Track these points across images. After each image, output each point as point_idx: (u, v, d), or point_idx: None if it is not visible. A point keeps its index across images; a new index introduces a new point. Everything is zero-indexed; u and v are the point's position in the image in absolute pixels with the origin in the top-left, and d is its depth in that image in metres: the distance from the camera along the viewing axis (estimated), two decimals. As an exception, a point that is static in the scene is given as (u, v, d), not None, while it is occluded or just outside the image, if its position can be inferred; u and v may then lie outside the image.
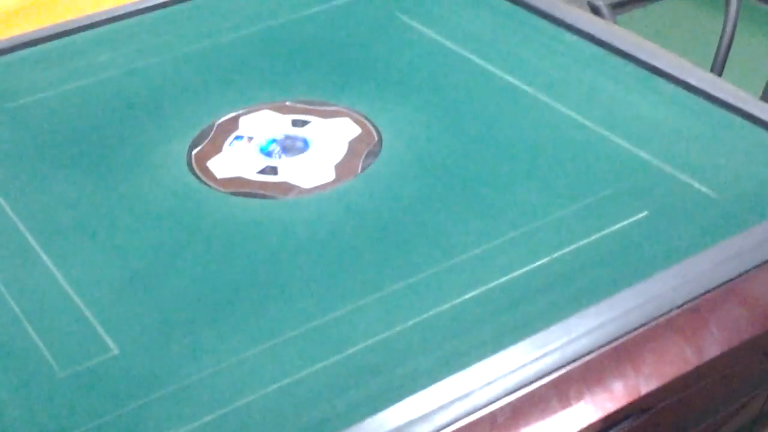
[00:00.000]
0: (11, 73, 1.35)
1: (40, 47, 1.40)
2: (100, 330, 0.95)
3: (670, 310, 0.93)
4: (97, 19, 1.45)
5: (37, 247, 1.06)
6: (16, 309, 0.98)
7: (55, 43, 1.41)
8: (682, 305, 0.94)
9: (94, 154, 1.20)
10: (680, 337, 0.93)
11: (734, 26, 1.95)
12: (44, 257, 1.04)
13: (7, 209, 1.11)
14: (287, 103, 1.26)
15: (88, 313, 0.97)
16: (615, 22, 1.84)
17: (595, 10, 1.84)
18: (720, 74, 1.91)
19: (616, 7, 1.86)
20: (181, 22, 1.44)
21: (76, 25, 1.44)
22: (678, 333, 0.93)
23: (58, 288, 1.00)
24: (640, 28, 1.80)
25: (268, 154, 1.18)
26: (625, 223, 1.04)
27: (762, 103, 1.21)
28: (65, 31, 1.42)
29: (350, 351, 0.92)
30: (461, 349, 0.91)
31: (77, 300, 0.99)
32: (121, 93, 1.30)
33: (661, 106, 1.22)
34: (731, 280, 0.97)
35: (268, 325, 0.95)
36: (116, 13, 1.45)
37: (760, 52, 2.82)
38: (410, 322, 0.94)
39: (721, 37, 1.96)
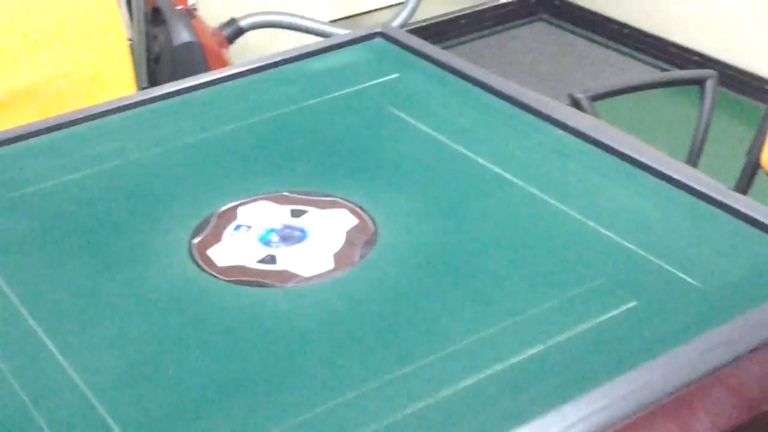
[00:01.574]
0: (14, 163, 1.38)
1: (41, 138, 1.43)
2: (107, 417, 0.97)
3: (661, 398, 0.97)
4: (96, 111, 1.49)
5: (42, 335, 1.08)
6: (23, 396, 1.00)
7: (56, 134, 1.45)
8: (672, 393, 0.97)
9: (97, 243, 1.23)
10: (671, 423, 0.96)
11: (709, 116, 2.03)
12: (49, 345, 1.07)
13: (12, 297, 1.13)
14: (285, 194, 1.30)
15: (94, 401, 0.99)
16: (595, 113, 1.91)
17: (575, 103, 1.91)
18: (696, 163, 1.98)
19: (594, 99, 1.94)
20: (180, 114, 1.49)
21: (76, 116, 1.48)
22: (669, 420, 0.96)
23: (64, 375, 1.02)
24: (617, 116, 1.87)
25: (267, 243, 1.22)
26: (615, 312, 1.08)
27: (739, 195, 1.26)
28: (65, 122, 1.46)
29: (351, 438, 0.94)
30: (460, 436, 0.94)
31: (83, 387, 1.01)
32: (122, 183, 1.34)
33: (645, 198, 1.27)
34: (719, 367, 1.00)
35: (269, 413, 0.97)
36: (117, 105, 1.50)
37: (733, 140, 2.90)
38: (408, 410, 0.97)
39: (698, 127, 2.03)
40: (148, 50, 2.76)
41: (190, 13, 2.87)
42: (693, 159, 2.02)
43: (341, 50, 1.63)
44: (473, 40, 4.08)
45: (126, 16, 2.91)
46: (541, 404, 0.96)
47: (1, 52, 1.96)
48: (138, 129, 1.46)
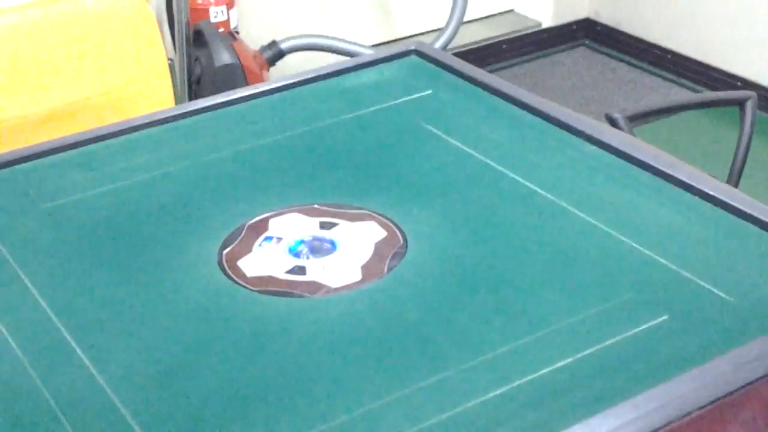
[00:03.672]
0: (49, 175, 1.40)
1: (77, 150, 1.45)
2: (134, 424, 0.97)
3: (691, 412, 0.95)
4: (131, 125, 1.50)
5: (72, 343, 1.09)
6: (52, 403, 1.01)
7: (91, 147, 1.46)
8: (702, 407, 0.96)
9: (128, 254, 1.24)
10: (701, 438, 0.95)
11: (749, 139, 2.00)
12: (79, 352, 1.07)
13: (44, 304, 1.15)
14: (315, 206, 1.31)
15: (121, 408, 1.00)
16: (632, 134, 1.90)
17: (613, 122, 1.90)
18: (736, 185, 1.95)
19: (632, 120, 1.92)
20: (215, 129, 1.50)
21: (112, 129, 1.49)
22: (698, 434, 0.95)
23: (93, 383, 1.03)
24: (656, 141, 1.86)
25: (297, 254, 1.22)
26: (646, 326, 1.07)
27: None
28: (102, 135, 1.48)
29: (376, 447, 0.94)
30: (485, 447, 0.93)
31: (111, 395, 1.01)
32: (154, 195, 1.35)
33: (679, 214, 1.26)
34: (751, 383, 0.98)
35: (295, 422, 0.97)
36: (150, 119, 1.51)
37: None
38: (434, 420, 0.96)
39: (737, 150, 2.01)
40: (189, 72, 2.79)
41: (231, 36, 2.91)
42: (733, 181, 1.99)
43: (376, 67, 1.64)
44: (514, 65, 4.08)
45: (167, 36, 2.95)
46: (569, 417, 0.95)
47: (42, 71, 1.99)
48: (173, 142, 1.47)
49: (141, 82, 2.07)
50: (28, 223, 1.30)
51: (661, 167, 1.33)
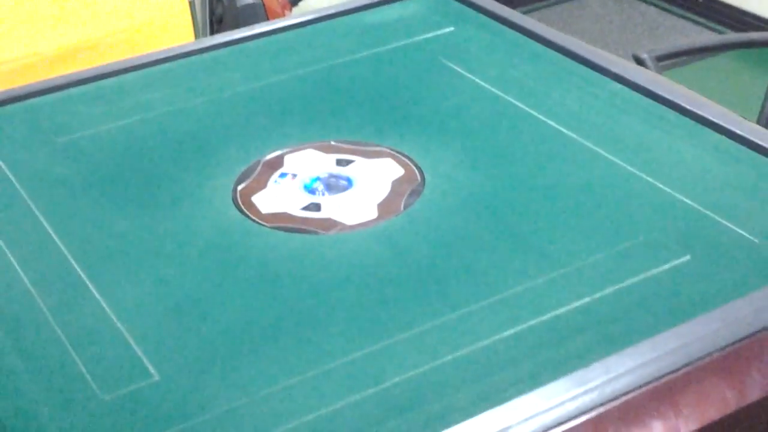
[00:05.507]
0: (65, 109, 1.38)
1: (93, 85, 1.43)
2: (143, 356, 0.96)
3: (712, 353, 0.93)
4: (148, 59, 1.48)
5: (84, 276, 1.07)
6: (61, 334, 1.00)
7: (108, 81, 1.44)
8: (723, 348, 0.93)
9: (142, 188, 1.22)
10: (721, 379, 0.92)
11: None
12: (90, 286, 1.06)
13: (56, 238, 1.13)
14: (332, 143, 1.28)
15: (131, 340, 0.99)
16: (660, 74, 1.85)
17: (640, 62, 1.85)
18: (767, 126, 1.91)
19: (661, 60, 1.87)
20: (232, 64, 1.47)
21: (128, 64, 1.47)
22: (719, 375, 0.92)
23: (103, 315, 1.02)
24: (684, 84, 1.81)
25: (312, 191, 1.20)
26: (668, 266, 1.04)
27: None
28: (118, 70, 1.46)
29: (388, 384, 0.92)
30: (499, 385, 0.91)
31: (121, 327, 1.00)
32: (169, 130, 1.33)
33: (705, 154, 1.22)
34: (773, 324, 0.96)
35: (307, 357, 0.96)
36: (166, 55, 1.49)
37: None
38: (448, 358, 0.95)
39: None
40: (211, 11, 2.76)
41: (253, -25, 2.86)
42: (763, 122, 1.94)
43: (397, 3, 1.60)
44: (541, 8, 4.01)
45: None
46: (585, 356, 0.93)
47: (63, 7, 1.97)
48: (189, 78, 1.45)
49: (161, 20, 2.05)
50: (42, 157, 1.29)
51: (688, 106, 1.29)
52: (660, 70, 1.86)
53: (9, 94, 1.41)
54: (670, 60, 1.89)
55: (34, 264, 1.10)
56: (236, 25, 2.70)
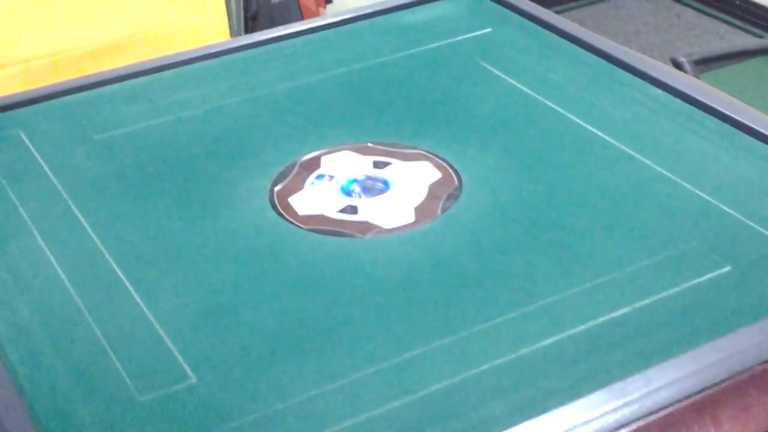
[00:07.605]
0: (101, 106, 1.39)
1: (129, 82, 1.44)
2: (180, 358, 0.96)
3: (753, 366, 0.92)
4: (185, 57, 1.48)
5: (122, 276, 1.08)
6: (100, 335, 1.00)
7: (144, 79, 1.45)
8: (765, 362, 0.92)
9: (179, 188, 1.22)
10: (763, 393, 0.91)
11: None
12: (129, 286, 1.06)
13: (95, 237, 1.14)
14: (369, 145, 1.28)
15: (168, 342, 0.99)
16: (699, 79, 1.83)
17: (678, 66, 1.83)
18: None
19: (699, 64, 1.85)
20: (269, 63, 1.47)
21: (164, 62, 1.47)
22: (761, 389, 0.91)
23: (142, 316, 1.02)
24: (722, 89, 1.79)
25: (349, 193, 1.19)
26: (708, 276, 1.03)
27: None
28: (154, 67, 1.46)
29: (424, 392, 0.91)
30: (537, 395, 0.90)
31: (159, 329, 1.00)
32: (206, 130, 1.33)
33: (745, 161, 1.21)
34: (816, 338, 0.94)
35: (344, 362, 0.95)
36: (203, 53, 1.49)
37: None
38: (485, 366, 0.94)
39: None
40: (246, 8, 2.76)
41: (288, -29, 2.86)
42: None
43: (435, 4, 1.59)
44: (577, 8, 3.99)
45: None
46: (625, 368, 0.92)
47: (99, 4, 1.97)
48: (226, 76, 1.45)
49: (197, 16, 2.05)
50: (79, 154, 1.29)
51: (728, 112, 1.28)
52: (697, 74, 1.85)
53: (46, 90, 1.42)
54: (708, 64, 1.87)
55: (72, 263, 1.10)
56: (271, 22, 2.70)
